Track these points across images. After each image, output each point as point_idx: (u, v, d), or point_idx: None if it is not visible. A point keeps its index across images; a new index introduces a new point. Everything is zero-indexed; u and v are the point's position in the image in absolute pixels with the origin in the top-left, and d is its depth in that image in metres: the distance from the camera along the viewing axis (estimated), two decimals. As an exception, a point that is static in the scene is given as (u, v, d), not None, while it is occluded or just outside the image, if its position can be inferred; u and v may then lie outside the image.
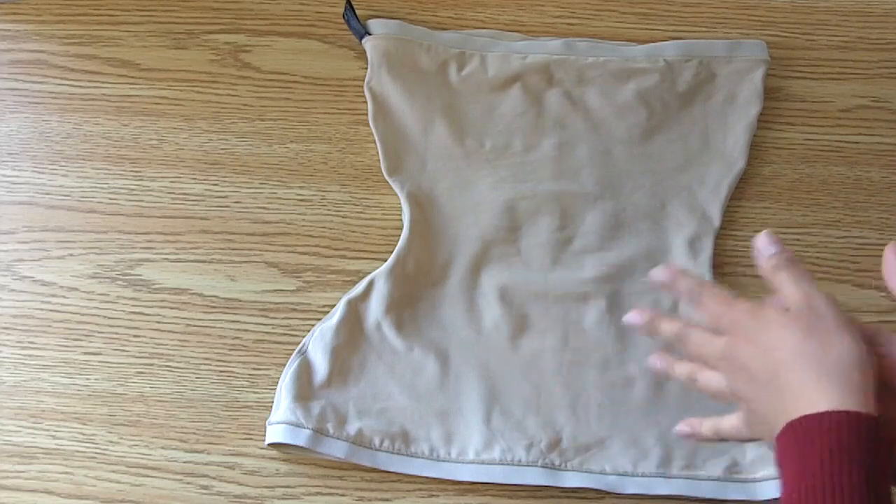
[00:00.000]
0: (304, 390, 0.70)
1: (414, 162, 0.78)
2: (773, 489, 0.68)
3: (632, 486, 0.68)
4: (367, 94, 0.79)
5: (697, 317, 0.59)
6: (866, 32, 0.86)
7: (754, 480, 0.68)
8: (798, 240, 0.78)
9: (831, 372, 0.51)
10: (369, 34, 0.81)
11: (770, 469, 0.68)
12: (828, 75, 0.84)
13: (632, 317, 0.60)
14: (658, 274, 0.59)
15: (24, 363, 0.72)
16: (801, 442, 0.50)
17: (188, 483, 0.69)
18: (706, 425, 0.60)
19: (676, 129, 0.80)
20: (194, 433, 0.70)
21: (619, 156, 0.78)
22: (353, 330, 0.72)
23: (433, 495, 0.69)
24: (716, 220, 0.76)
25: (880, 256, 0.77)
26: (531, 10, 0.86)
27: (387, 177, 0.77)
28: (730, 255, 0.77)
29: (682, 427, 0.61)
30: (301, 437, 0.68)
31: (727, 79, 0.81)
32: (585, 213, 0.77)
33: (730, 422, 0.59)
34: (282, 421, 0.68)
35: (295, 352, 0.71)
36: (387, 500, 0.69)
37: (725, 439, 0.60)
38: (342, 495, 0.69)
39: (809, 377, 0.51)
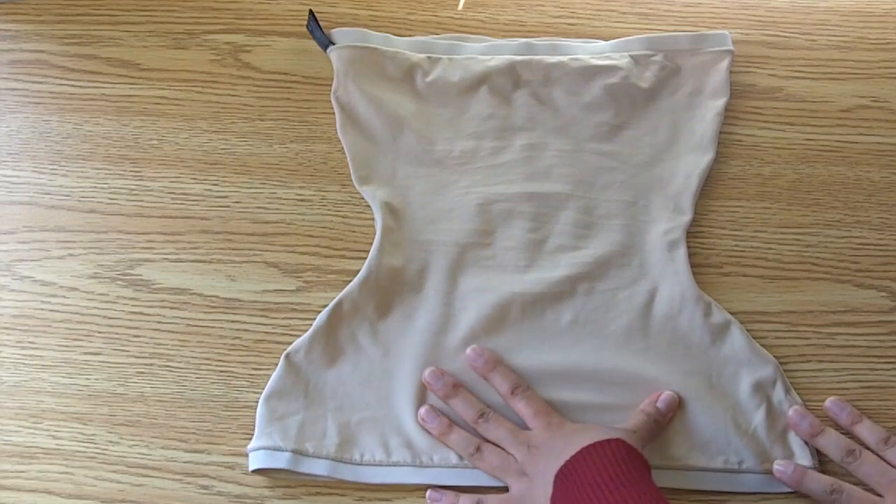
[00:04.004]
0: (281, 409, 0.70)
1: (384, 170, 0.78)
2: (749, 483, 0.69)
3: None
4: (334, 104, 0.79)
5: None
6: (866, 32, 0.86)
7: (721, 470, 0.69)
8: (798, 240, 0.78)
9: (603, 433, 0.64)
10: (333, 44, 0.81)
11: (750, 462, 0.69)
12: (828, 75, 0.84)
13: (428, 377, 0.70)
14: (472, 356, 0.71)
15: (24, 363, 0.72)
16: (574, 471, 0.61)
17: (188, 483, 0.69)
18: (465, 501, 0.67)
19: (644, 124, 0.80)
20: (194, 433, 0.70)
21: (588, 153, 0.79)
22: (327, 343, 0.72)
23: (433, 495, 0.69)
24: (688, 212, 0.77)
25: (880, 256, 0.77)
26: (531, 10, 0.86)
27: (358, 187, 0.77)
28: (730, 254, 0.77)
29: (435, 495, 0.68)
30: (281, 460, 0.67)
31: (692, 71, 0.81)
32: (558, 212, 0.77)
33: (498, 498, 0.66)
34: (259, 447, 0.68)
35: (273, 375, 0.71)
36: (387, 500, 0.69)
37: None
38: (342, 495, 0.69)
39: (587, 438, 0.63)
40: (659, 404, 0.69)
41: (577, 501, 0.59)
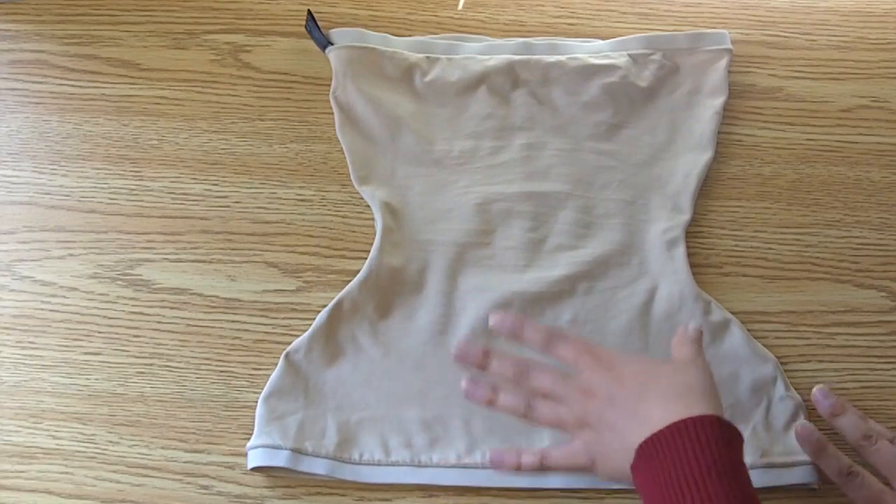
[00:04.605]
0: (280, 408, 0.70)
1: (384, 170, 0.78)
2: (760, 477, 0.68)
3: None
4: (332, 104, 0.79)
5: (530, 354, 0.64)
6: (866, 32, 0.86)
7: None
8: (798, 240, 0.78)
9: (682, 392, 0.59)
10: (332, 44, 0.81)
11: (749, 459, 0.68)
12: (828, 75, 0.84)
13: (459, 349, 0.63)
14: (497, 322, 0.63)
15: (24, 363, 0.72)
16: (660, 449, 0.56)
17: (188, 483, 0.69)
18: (529, 456, 0.62)
19: (643, 124, 0.80)
20: (194, 433, 0.70)
21: (587, 153, 0.79)
22: (327, 343, 0.72)
23: (433, 495, 0.69)
24: (687, 211, 0.77)
25: (880, 256, 0.77)
26: (531, 10, 0.86)
27: (357, 187, 0.77)
28: (730, 254, 0.77)
29: (496, 456, 0.63)
30: (280, 459, 0.68)
31: (691, 70, 0.82)
32: (557, 212, 0.77)
33: (561, 452, 0.62)
34: (258, 445, 0.68)
35: (273, 374, 0.71)
36: (387, 500, 0.69)
37: (550, 468, 0.62)
38: (342, 495, 0.69)
39: (665, 397, 0.58)
40: (692, 334, 0.64)
41: (663, 492, 0.55)
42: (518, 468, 0.62)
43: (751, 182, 0.80)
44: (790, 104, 0.83)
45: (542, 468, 0.62)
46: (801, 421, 0.68)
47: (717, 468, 0.54)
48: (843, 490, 0.65)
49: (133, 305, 0.74)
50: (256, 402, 0.70)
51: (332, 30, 0.82)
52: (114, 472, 0.69)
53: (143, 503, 0.68)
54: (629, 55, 0.81)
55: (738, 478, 0.55)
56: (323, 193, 0.78)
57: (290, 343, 0.72)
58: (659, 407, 0.58)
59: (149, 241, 0.76)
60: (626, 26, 0.85)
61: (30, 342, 0.73)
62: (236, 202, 0.78)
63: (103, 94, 0.82)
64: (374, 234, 0.75)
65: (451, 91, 0.80)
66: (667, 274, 0.74)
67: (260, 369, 0.72)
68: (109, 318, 0.74)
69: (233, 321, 0.74)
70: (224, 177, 0.79)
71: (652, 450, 0.56)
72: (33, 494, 0.68)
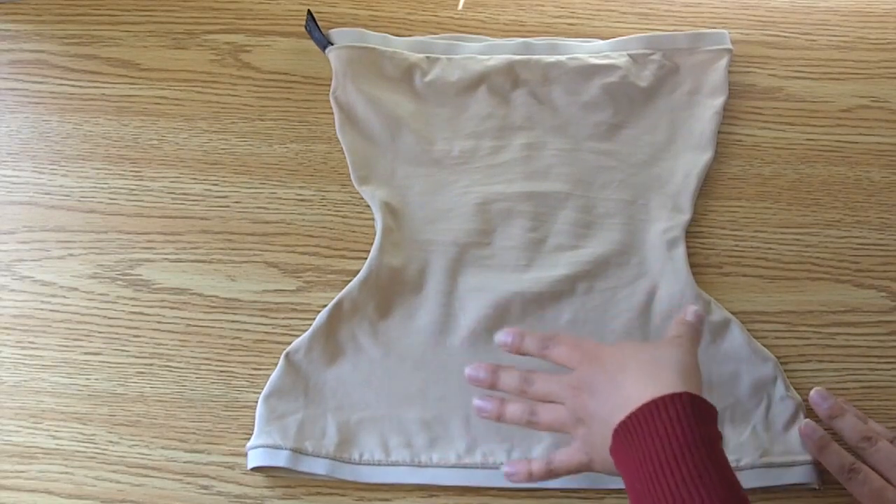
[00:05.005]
0: (280, 408, 0.70)
1: (384, 170, 0.78)
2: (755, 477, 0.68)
3: (614, 481, 0.68)
4: (332, 104, 0.79)
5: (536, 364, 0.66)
6: (866, 32, 0.86)
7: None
8: (798, 240, 0.78)
9: (656, 370, 0.59)
10: (332, 44, 0.81)
11: (748, 458, 0.68)
12: (828, 75, 0.84)
13: (470, 371, 0.66)
14: (502, 338, 0.66)
15: (24, 363, 0.72)
16: (634, 430, 0.57)
17: (188, 483, 0.69)
18: (537, 464, 0.64)
19: (643, 123, 0.80)
20: (194, 433, 0.70)
21: (587, 153, 0.79)
22: (327, 343, 0.72)
23: (433, 495, 0.69)
24: (687, 211, 0.77)
25: (880, 256, 0.78)
26: (531, 10, 0.86)
27: (357, 187, 0.77)
28: (730, 254, 0.77)
29: (509, 469, 0.65)
30: (280, 458, 0.68)
31: (691, 70, 0.82)
32: (557, 212, 0.77)
33: (562, 454, 0.63)
34: (258, 445, 0.68)
35: (273, 374, 0.71)
36: (387, 500, 0.69)
37: (557, 474, 0.64)
38: (342, 495, 0.69)
39: (640, 378, 0.59)
40: (689, 317, 0.65)
41: (640, 471, 0.56)
42: (530, 477, 0.64)
43: (751, 182, 0.80)
44: (790, 104, 0.83)
45: (551, 474, 0.64)
46: (807, 421, 0.68)
47: (690, 445, 0.55)
48: (846, 487, 0.65)
49: (133, 305, 0.74)
50: (256, 402, 0.70)
51: (332, 30, 0.82)
52: (114, 472, 0.69)
53: (143, 503, 0.68)
54: (629, 55, 0.81)
55: (711, 453, 0.55)
56: (323, 193, 0.78)
57: (290, 343, 0.72)
58: (635, 388, 0.58)
59: (149, 241, 0.76)
60: (626, 26, 0.85)
61: (30, 342, 0.73)
62: (236, 202, 0.78)
63: (103, 94, 0.82)
64: (374, 234, 0.75)
65: (451, 91, 0.80)
66: (667, 274, 0.74)
67: (260, 369, 0.72)
68: (109, 318, 0.74)
69: (233, 321, 0.74)
70: (224, 177, 0.79)
71: (627, 431, 0.57)
72: (33, 494, 0.68)
